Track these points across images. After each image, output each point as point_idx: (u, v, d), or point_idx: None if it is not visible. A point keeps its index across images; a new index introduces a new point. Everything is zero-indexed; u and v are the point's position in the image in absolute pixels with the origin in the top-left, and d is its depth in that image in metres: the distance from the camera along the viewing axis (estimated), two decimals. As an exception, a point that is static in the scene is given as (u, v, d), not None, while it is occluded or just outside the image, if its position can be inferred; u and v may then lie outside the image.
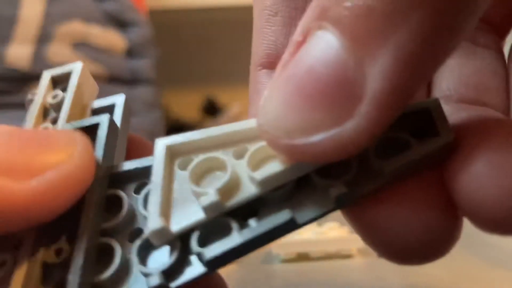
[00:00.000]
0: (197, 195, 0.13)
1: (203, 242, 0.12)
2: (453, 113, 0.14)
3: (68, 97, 0.16)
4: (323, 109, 0.11)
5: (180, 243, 0.12)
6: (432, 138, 0.13)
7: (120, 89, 0.58)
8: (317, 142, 0.11)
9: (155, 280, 0.12)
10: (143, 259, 0.13)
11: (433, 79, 0.16)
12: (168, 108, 0.85)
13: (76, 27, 0.57)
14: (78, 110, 0.16)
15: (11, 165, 0.12)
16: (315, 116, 0.11)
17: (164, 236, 0.12)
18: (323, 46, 0.11)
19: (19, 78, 0.52)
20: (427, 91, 0.17)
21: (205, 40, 0.96)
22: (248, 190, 0.13)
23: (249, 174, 0.13)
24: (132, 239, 0.13)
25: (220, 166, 0.13)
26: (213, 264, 0.12)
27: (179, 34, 0.94)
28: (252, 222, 0.13)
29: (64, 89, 0.16)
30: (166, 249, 0.13)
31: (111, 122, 0.15)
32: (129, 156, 0.16)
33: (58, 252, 0.13)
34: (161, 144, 0.14)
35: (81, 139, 0.13)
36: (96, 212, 0.13)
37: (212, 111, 0.93)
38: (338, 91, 0.11)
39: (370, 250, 0.32)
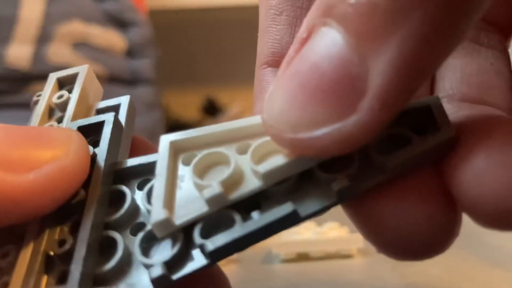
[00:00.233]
0: (200, 188, 0.13)
1: (205, 235, 0.13)
2: (455, 111, 0.14)
3: (74, 96, 0.16)
4: (327, 104, 0.11)
5: (183, 235, 0.13)
6: (433, 134, 0.13)
7: (120, 89, 0.58)
8: (320, 136, 0.11)
9: (157, 271, 0.12)
10: (145, 251, 0.13)
11: (436, 79, 0.16)
12: (168, 108, 0.85)
13: (76, 27, 0.57)
14: (84, 110, 0.17)
15: (9, 159, 0.12)
16: (319, 110, 0.11)
17: (167, 228, 0.12)
18: (328, 42, 0.11)
19: (19, 78, 0.52)
20: (430, 91, 0.17)
21: (205, 40, 0.96)
22: (252, 183, 0.13)
23: (253, 167, 0.13)
24: (134, 233, 0.14)
25: (224, 160, 0.13)
26: (216, 255, 0.12)
27: (179, 34, 0.94)
28: (255, 214, 0.13)
29: (69, 90, 0.17)
30: (168, 243, 0.13)
31: (116, 120, 0.16)
32: (131, 156, 0.16)
33: (61, 244, 0.13)
34: (166, 139, 0.14)
35: (77, 137, 0.14)
36: (99, 205, 0.14)
37: (212, 111, 0.93)
38: (341, 86, 0.11)
39: (370, 250, 0.32)
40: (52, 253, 0.13)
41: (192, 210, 0.13)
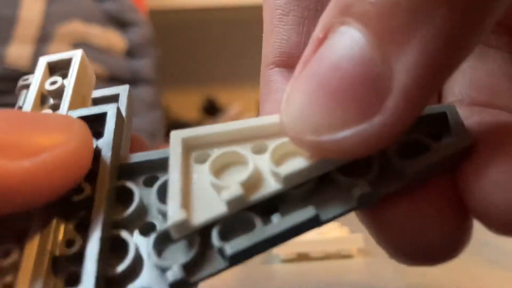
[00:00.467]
0: (219, 189, 0.13)
1: (223, 237, 0.12)
2: (466, 117, 0.14)
3: (70, 83, 0.15)
4: (350, 105, 0.11)
5: (200, 237, 0.12)
6: (451, 141, 0.13)
7: (120, 89, 0.58)
8: (344, 138, 0.11)
9: (176, 274, 0.12)
10: (158, 253, 0.12)
11: (445, 83, 0.16)
12: (168, 108, 0.85)
13: (76, 27, 0.57)
14: (79, 98, 0.16)
15: (6, 145, 0.12)
16: (341, 112, 0.11)
17: (185, 229, 0.12)
18: (348, 42, 0.11)
19: (19, 78, 0.52)
20: (437, 96, 0.17)
21: (205, 40, 0.96)
22: (271, 185, 0.13)
23: (273, 169, 0.13)
24: (144, 233, 0.13)
25: (240, 160, 0.13)
26: (236, 258, 0.12)
27: (179, 34, 0.94)
28: (275, 218, 0.13)
29: (62, 76, 0.16)
30: (181, 244, 0.13)
31: (119, 112, 0.15)
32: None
33: (69, 244, 0.12)
34: (177, 136, 0.13)
35: (79, 124, 0.13)
36: (108, 203, 0.13)
37: (212, 111, 0.93)
38: (364, 86, 0.11)
39: (370, 250, 0.32)
40: (58, 254, 0.12)
41: (210, 211, 0.12)
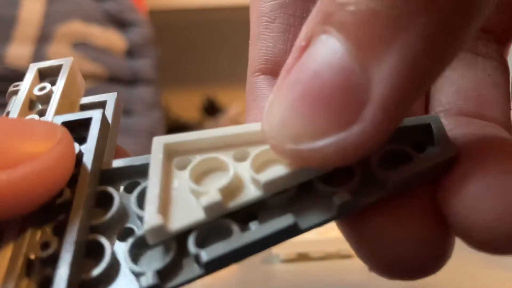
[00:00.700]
0: (197, 195, 0.12)
1: (200, 244, 0.12)
2: (451, 128, 0.14)
3: (58, 89, 0.15)
4: (329, 114, 0.11)
5: (176, 243, 0.12)
6: (434, 152, 0.13)
7: (120, 89, 0.58)
8: (323, 147, 0.11)
9: (149, 280, 0.12)
10: (134, 258, 0.12)
11: (432, 91, 0.16)
12: (168, 108, 0.85)
13: (76, 27, 0.57)
14: (67, 104, 0.16)
15: None
16: (320, 121, 0.11)
17: (161, 235, 0.12)
18: (328, 50, 0.11)
19: (19, 78, 0.52)
20: (425, 104, 0.16)
21: (205, 40, 0.96)
22: (251, 192, 0.12)
23: (253, 176, 0.12)
24: (121, 238, 0.13)
25: (221, 167, 0.13)
26: (211, 266, 0.12)
27: (179, 34, 0.94)
28: (253, 225, 0.12)
29: (52, 83, 0.16)
30: (158, 250, 0.12)
31: (104, 118, 0.15)
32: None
33: (45, 246, 0.12)
34: (159, 142, 0.13)
35: (62, 132, 0.13)
36: (86, 207, 0.13)
37: (212, 111, 0.93)
38: (343, 95, 0.11)
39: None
40: (33, 256, 0.12)
41: (188, 217, 0.12)
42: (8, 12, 0.54)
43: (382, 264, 0.13)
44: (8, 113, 0.15)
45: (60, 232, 0.12)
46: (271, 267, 0.30)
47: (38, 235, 0.13)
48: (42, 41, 0.54)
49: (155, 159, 0.13)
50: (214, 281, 0.28)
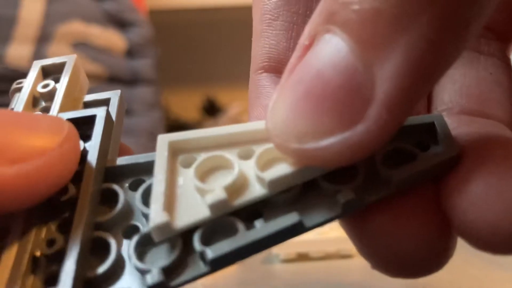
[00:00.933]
0: (203, 193, 0.12)
1: (205, 241, 0.12)
2: (454, 127, 0.14)
3: (62, 86, 0.15)
4: (333, 113, 0.11)
5: (181, 240, 0.12)
6: (438, 151, 0.13)
7: (120, 89, 0.58)
8: (327, 146, 0.11)
9: (155, 277, 0.12)
10: (140, 256, 0.12)
11: (434, 91, 0.16)
12: (168, 108, 0.85)
13: (76, 27, 0.57)
14: (70, 102, 0.16)
15: None
16: (324, 120, 0.11)
17: (166, 232, 0.12)
18: (331, 49, 0.11)
19: (19, 78, 0.52)
20: (427, 103, 0.16)
21: (205, 40, 0.96)
22: (256, 190, 0.12)
23: (258, 174, 0.12)
24: (127, 236, 0.13)
25: (226, 165, 0.13)
26: (217, 263, 0.12)
27: (179, 34, 0.94)
28: (258, 223, 0.12)
29: (55, 80, 0.16)
30: (164, 248, 0.12)
31: (108, 115, 0.15)
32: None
33: (50, 243, 0.12)
34: (164, 139, 0.13)
35: (69, 128, 0.13)
36: (91, 204, 0.13)
37: (212, 111, 0.93)
38: (347, 94, 0.11)
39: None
40: (39, 253, 0.12)
41: (193, 214, 0.12)
42: (8, 12, 0.54)
43: (384, 262, 0.13)
44: (11, 110, 0.15)
45: (65, 229, 0.13)
46: (271, 267, 0.30)
47: (43, 232, 0.13)
48: (42, 41, 0.54)
49: (160, 157, 0.13)
50: (214, 281, 0.28)
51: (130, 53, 0.62)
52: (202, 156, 0.13)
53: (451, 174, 0.12)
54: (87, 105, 0.16)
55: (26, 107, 0.15)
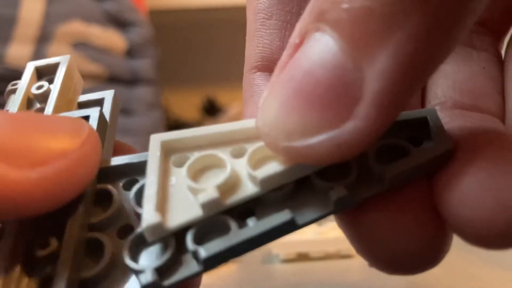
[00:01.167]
0: (195, 192, 0.12)
1: (198, 240, 0.12)
2: (447, 122, 0.14)
3: (56, 87, 0.15)
4: (322, 111, 0.11)
5: (174, 240, 0.12)
6: (431, 145, 0.13)
7: (120, 89, 0.58)
8: (316, 144, 0.11)
9: (148, 277, 0.12)
10: (134, 256, 0.12)
11: (428, 86, 0.16)
12: (168, 108, 0.85)
13: (76, 27, 0.57)
14: (65, 102, 0.16)
15: (12, 151, 0.11)
16: (314, 118, 0.11)
17: (159, 232, 0.12)
18: (321, 48, 0.11)
19: (19, 78, 0.52)
20: (421, 98, 0.16)
21: (205, 40, 0.96)
22: (248, 189, 0.12)
23: (250, 172, 0.12)
24: (120, 235, 0.13)
25: (218, 163, 0.13)
26: (210, 262, 0.12)
27: (179, 34, 0.94)
28: (250, 221, 0.13)
29: (49, 81, 0.16)
30: (157, 247, 0.12)
31: (101, 116, 0.15)
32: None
33: (45, 245, 0.12)
34: (156, 139, 0.13)
35: (89, 128, 0.13)
36: (86, 206, 0.13)
37: (212, 111, 0.93)
38: (336, 93, 0.11)
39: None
40: (34, 255, 0.12)
41: (185, 214, 0.12)
42: (8, 12, 0.54)
43: (380, 259, 0.13)
44: (31, 112, 0.15)
45: (59, 231, 0.13)
46: (271, 267, 0.30)
47: (38, 234, 0.13)
48: (42, 41, 0.54)
49: (152, 157, 0.13)
50: (214, 281, 0.28)
51: (130, 53, 0.62)
52: (194, 155, 0.13)
53: (443, 170, 0.12)
54: (82, 105, 0.16)
55: (20, 109, 0.15)
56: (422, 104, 0.16)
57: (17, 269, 0.12)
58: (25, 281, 0.12)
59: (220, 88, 0.97)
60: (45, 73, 0.16)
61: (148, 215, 0.12)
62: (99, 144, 0.13)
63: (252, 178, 0.12)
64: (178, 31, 0.94)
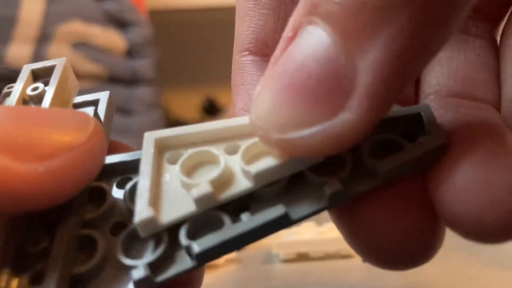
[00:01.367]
0: (188, 187, 0.12)
1: (192, 236, 0.12)
2: (440, 114, 0.14)
3: (51, 89, 0.16)
4: (314, 103, 0.11)
5: (168, 235, 0.12)
6: (425, 141, 0.13)
7: (120, 89, 0.58)
8: (309, 135, 0.11)
9: (141, 272, 0.12)
10: (127, 251, 0.12)
11: (423, 74, 0.16)
12: (168, 108, 0.85)
13: (76, 27, 0.57)
14: (60, 104, 0.16)
15: (18, 144, 0.11)
16: (306, 110, 0.11)
17: (152, 227, 0.12)
18: (314, 41, 0.11)
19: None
20: (415, 86, 0.16)
21: (205, 40, 0.96)
22: (242, 184, 0.12)
23: (244, 167, 0.12)
24: (114, 232, 0.13)
25: (212, 160, 0.13)
26: (203, 257, 0.12)
27: (179, 34, 0.94)
28: (244, 216, 0.12)
29: (45, 83, 0.16)
30: (151, 243, 0.12)
31: (96, 116, 0.15)
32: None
33: (37, 241, 0.12)
34: (150, 137, 0.13)
35: (95, 122, 0.13)
36: (79, 202, 0.13)
37: (212, 111, 0.93)
38: (329, 85, 0.11)
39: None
40: (26, 251, 0.12)
41: (179, 209, 0.12)
42: (8, 12, 0.54)
43: (374, 254, 0.13)
44: (37, 106, 0.16)
45: (52, 227, 0.13)
46: (271, 267, 0.30)
47: (30, 229, 0.13)
48: (42, 41, 0.54)
49: (146, 154, 0.13)
50: (214, 281, 0.28)
51: (130, 53, 0.62)
52: (188, 152, 0.13)
53: (436, 165, 0.12)
54: (77, 106, 0.16)
55: None
56: (417, 93, 0.16)
57: (8, 265, 0.12)
58: (16, 277, 0.12)
59: (220, 88, 0.96)
60: (41, 76, 0.17)
61: (141, 210, 0.12)
62: (105, 137, 0.13)
63: (246, 173, 0.12)
64: (178, 31, 0.94)
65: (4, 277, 0.12)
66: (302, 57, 0.11)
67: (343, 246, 0.30)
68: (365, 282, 0.26)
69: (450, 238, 0.13)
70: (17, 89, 0.16)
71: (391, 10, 0.10)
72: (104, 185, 0.14)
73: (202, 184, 0.12)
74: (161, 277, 0.12)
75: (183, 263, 0.12)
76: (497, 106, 0.15)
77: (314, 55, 0.11)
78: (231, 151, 0.13)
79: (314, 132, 0.11)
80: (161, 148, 0.13)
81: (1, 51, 0.52)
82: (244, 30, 0.16)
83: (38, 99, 0.16)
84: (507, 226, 0.11)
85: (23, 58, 0.52)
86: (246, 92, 0.16)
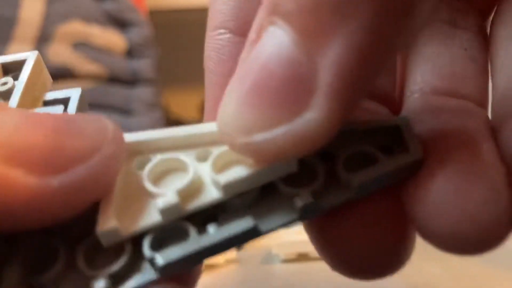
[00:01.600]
0: (155, 196, 0.12)
1: (156, 246, 0.12)
2: (421, 119, 0.14)
3: (20, 84, 0.15)
4: (278, 105, 0.11)
5: (132, 246, 0.12)
6: (401, 154, 0.12)
7: (120, 89, 0.58)
8: (275, 137, 0.11)
9: (101, 284, 0.11)
10: (90, 261, 0.12)
11: (408, 70, 0.16)
12: (168, 108, 0.84)
13: (76, 27, 0.57)
14: (29, 100, 0.15)
15: (31, 155, 0.10)
16: (270, 112, 0.11)
17: (115, 237, 0.12)
18: (275, 42, 0.11)
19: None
20: (400, 84, 0.16)
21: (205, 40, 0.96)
22: (211, 194, 0.12)
23: (213, 177, 0.12)
24: (78, 241, 0.13)
25: (181, 167, 0.13)
26: (166, 270, 0.12)
27: (179, 34, 0.94)
28: (211, 228, 0.12)
29: (15, 77, 0.15)
30: (112, 254, 0.12)
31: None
32: None
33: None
34: None
35: (112, 127, 0.12)
36: None
37: (212, 111, 0.93)
38: (292, 86, 0.11)
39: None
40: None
41: (144, 219, 0.12)
42: (8, 12, 0.54)
43: (342, 266, 0.13)
44: (52, 113, 0.15)
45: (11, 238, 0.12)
46: (271, 267, 0.30)
47: None
48: (42, 41, 0.54)
49: None
50: (214, 281, 0.28)
51: (130, 53, 0.62)
52: (157, 158, 0.13)
53: (412, 178, 0.12)
54: (47, 103, 0.16)
55: None
56: (402, 89, 0.16)
57: None
58: None
59: (220, 88, 0.96)
60: (12, 70, 0.16)
61: (104, 220, 0.11)
62: (124, 145, 0.12)
63: (216, 183, 0.12)
64: (178, 31, 0.94)
65: None
66: (265, 59, 0.11)
67: (343, 246, 0.30)
68: (365, 283, 0.26)
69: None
70: None
71: (348, 7, 0.10)
72: None
73: (169, 193, 0.12)
74: None
75: (146, 274, 0.12)
76: (482, 101, 0.15)
77: (276, 56, 0.11)
78: (202, 158, 0.13)
79: (279, 133, 0.11)
80: (130, 152, 0.13)
81: (1, 51, 0.52)
82: (222, 4, 0.16)
83: (7, 94, 0.15)
84: (483, 238, 0.11)
85: (23, 58, 0.52)
86: (219, 87, 0.15)
